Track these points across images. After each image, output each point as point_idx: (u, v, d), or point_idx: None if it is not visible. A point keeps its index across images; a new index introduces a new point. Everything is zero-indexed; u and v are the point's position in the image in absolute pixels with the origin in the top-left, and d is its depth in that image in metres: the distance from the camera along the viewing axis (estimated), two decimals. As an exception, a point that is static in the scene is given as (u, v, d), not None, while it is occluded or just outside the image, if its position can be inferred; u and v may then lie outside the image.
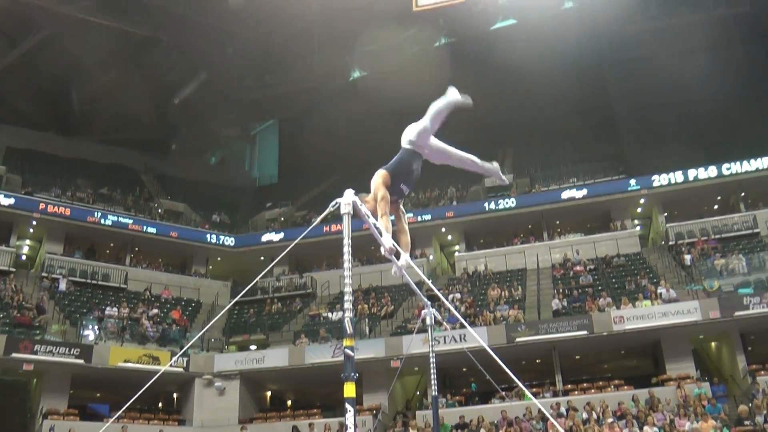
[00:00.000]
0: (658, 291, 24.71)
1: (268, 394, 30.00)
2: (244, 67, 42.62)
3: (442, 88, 6.50)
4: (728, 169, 31.63)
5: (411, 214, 34.44)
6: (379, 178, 6.19)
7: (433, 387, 10.00)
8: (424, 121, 6.40)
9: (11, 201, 31.57)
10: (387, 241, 5.86)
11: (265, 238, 36.45)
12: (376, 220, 5.89)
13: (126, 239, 34.56)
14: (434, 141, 6.53)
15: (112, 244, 35.39)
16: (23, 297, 27.75)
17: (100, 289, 31.40)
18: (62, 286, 29.58)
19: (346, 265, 5.07)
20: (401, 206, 6.56)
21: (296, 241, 7.75)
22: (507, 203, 34.02)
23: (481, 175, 37.99)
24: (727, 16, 35.65)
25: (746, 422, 17.91)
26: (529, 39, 36.75)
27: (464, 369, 26.32)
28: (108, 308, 28.44)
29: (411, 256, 6.60)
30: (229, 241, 36.64)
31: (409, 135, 6.48)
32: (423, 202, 37.00)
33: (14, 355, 23.19)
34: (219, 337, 29.88)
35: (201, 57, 41.20)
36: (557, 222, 34.74)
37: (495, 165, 6.85)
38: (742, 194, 32.16)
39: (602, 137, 38.72)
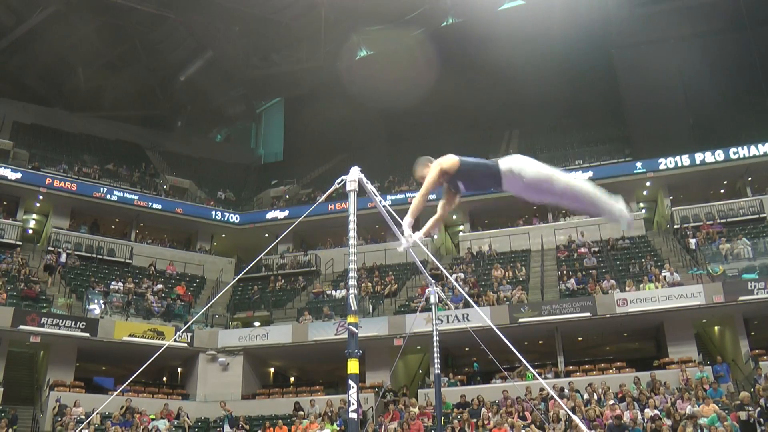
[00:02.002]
0: (662, 274, 24.71)
1: (272, 370, 30.16)
2: (250, 45, 42.55)
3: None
4: (735, 153, 31.52)
5: (413, 194, 34.51)
6: (447, 161, 5.65)
7: (436, 365, 10.05)
8: (531, 171, 5.53)
9: (18, 175, 31.70)
10: (405, 222, 5.53)
11: (270, 215, 36.53)
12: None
13: (131, 215, 34.66)
14: (531, 178, 5.54)
15: (117, 220, 35.54)
16: (30, 270, 27.91)
17: (106, 263, 31.52)
18: (63, 258, 29.68)
19: (352, 242, 5.10)
20: (456, 199, 6.01)
21: (301, 218, 7.81)
22: (512, 184, 33.88)
23: (486, 156, 38.18)
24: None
25: (748, 408, 17.96)
26: (537, 20, 36.58)
27: (466, 348, 26.43)
28: (113, 283, 28.55)
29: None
30: (234, 218, 36.71)
31: (511, 164, 5.58)
32: (428, 181, 36.91)
33: (21, 327, 23.34)
34: (223, 313, 30.04)
35: (207, 35, 41.11)
36: (562, 204, 34.62)
37: (620, 205, 5.58)
38: (749, 179, 32.07)
39: (609, 119, 38.66)
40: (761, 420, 17.30)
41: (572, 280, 25.95)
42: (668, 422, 17.69)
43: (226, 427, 22.78)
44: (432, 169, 5.64)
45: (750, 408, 17.89)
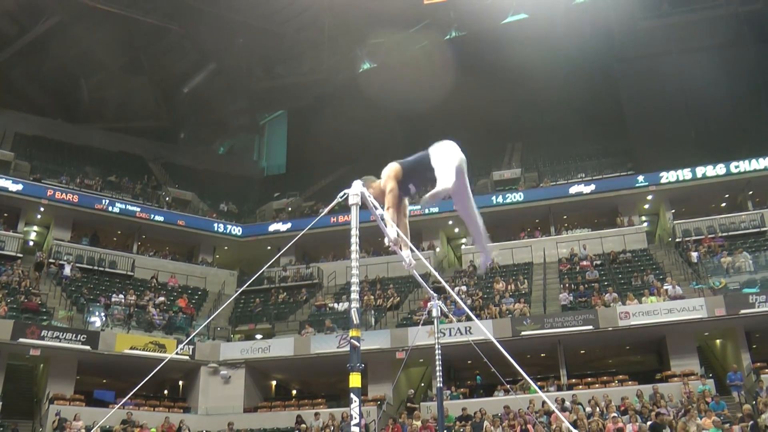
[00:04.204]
0: (664, 287, 24.69)
1: (273, 383, 30.11)
2: (253, 58, 42.65)
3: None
4: (737, 167, 31.54)
5: (418, 207, 34.44)
6: (390, 171, 6.06)
7: (438, 378, 10.01)
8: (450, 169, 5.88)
9: (19, 187, 31.63)
10: (391, 233, 5.72)
11: (272, 228, 36.48)
12: (381, 208, 5.85)
13: (133, 227, 34.63)
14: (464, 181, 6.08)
15: (119, 232, 35.47)
16: (30, 283, 27.85)
17: (107, 276, 31.48)
18: (66, 271, 29.67)
19: (354, 255, 5.09)
20: (406, 202, 6.37)
21: (303, 231, 7.86)
22: (514, 197, 33.99)
23: (489, 168, 38.30)
24: (738, 14, 35.59)
25: (749, 421, 17.88)
26: (540, 34, 36.71)
27: (469, 361, 26.34)
28: (115, 295, 28.51)
29: (418, 248, 6.50)
30: (236, 230, 36.68)
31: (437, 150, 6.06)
32: (430, 194, 36.87)
33: (21, 340, 23.28)
34: (225, 326, 29.98)
35: (211, 47, 41.24)
36: (564, 217, 34.71)
37: (490, 247, 6.31)
38: (750, 192, 32.09)
39: (611, 133, 38.67)
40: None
41: (570, 295, 25.94)
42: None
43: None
44: (387, 181, 6.02)
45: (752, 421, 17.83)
